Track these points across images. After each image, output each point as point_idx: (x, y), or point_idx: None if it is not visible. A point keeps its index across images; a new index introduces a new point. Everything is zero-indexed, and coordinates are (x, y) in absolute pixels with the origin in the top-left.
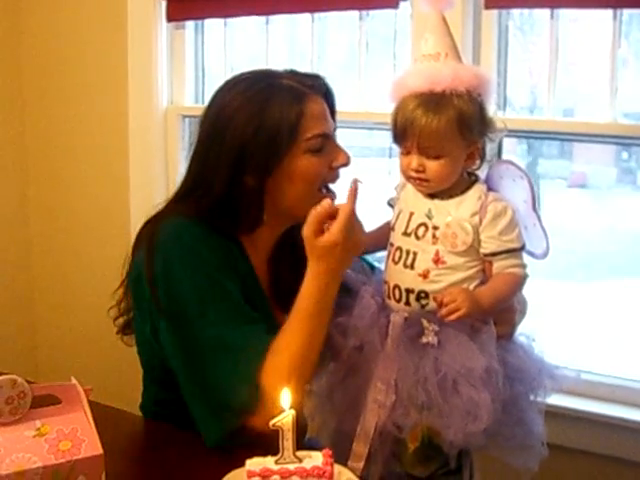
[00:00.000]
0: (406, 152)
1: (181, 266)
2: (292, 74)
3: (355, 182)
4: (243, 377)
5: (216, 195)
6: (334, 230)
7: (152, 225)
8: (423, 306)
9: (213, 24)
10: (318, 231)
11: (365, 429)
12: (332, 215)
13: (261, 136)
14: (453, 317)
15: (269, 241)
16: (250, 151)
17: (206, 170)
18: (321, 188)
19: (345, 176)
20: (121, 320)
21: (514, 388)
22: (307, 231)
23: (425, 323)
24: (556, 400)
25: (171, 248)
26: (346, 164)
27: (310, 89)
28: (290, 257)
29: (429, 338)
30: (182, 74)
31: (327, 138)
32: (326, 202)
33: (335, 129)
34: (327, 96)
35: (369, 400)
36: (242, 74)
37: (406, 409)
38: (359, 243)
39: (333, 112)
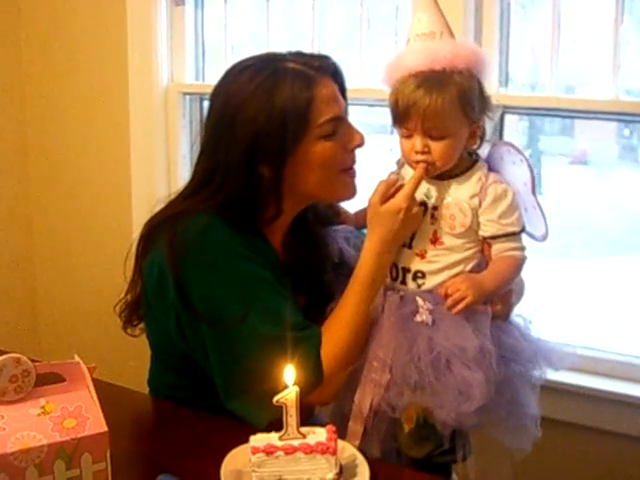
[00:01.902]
0: (408, 135)
1: (216, 268)
2: (298, 56)
3: (426, 161)
4: (305, 363)
5: (232, 190)
6: (400, 196)
7: (169, 226)
8: (419, 286)
9: (213, 1)
10: (383, 200)
11: (360, 408)
12: (397, 189)
13: (272, 126)
14: (461, 306)
15: (285, 224)
16: (262, 142)
17: (218, 165)
18: (342, 170)
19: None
20: (127, 312)
21: (509, 368)
22: (374, 198)
23: (420, 301)
24: (557, 375)
25: (201, 251)
26: (360, 145)
27: (318, 71)
28: (305, 237)
29: (423, 317)
30: (182, 51)
31: (339, 120)
32: (392, 177)
33: (347, 107)
34: (336, 75)
35: (365, 378)
36: (245, 60)
37: (399, 389)
38: (419, 217)
39: (343, 91)
